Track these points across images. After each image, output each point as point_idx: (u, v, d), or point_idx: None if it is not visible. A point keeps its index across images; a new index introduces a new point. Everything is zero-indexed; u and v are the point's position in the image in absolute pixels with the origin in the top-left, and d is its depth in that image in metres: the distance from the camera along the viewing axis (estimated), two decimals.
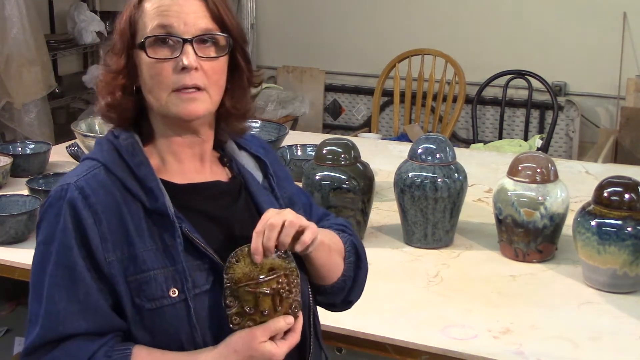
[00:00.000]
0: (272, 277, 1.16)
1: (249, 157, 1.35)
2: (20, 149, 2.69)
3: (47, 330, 1.15)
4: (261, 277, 1.15)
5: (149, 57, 1.19)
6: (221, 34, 1.22)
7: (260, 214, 1.26)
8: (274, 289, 1.16)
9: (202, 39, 1.20)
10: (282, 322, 1.17)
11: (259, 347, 1.15)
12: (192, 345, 1.17)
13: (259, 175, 1.34)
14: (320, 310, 1.70)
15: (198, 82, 1.19)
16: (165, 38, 1.19)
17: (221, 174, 1.31)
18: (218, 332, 1.18)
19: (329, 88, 5.10)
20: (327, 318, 1.65)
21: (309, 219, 1.29)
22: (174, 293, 1.17)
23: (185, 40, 1.18)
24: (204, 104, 1.21)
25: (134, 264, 1.16)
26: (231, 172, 1.32)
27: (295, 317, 1.19)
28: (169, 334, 1.17)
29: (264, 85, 4.69)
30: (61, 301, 1.15)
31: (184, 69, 1.18)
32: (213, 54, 1.21)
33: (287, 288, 1.17)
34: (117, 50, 1.23)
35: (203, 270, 1.19)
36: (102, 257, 1.15)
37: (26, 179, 2.34)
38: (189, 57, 1.18)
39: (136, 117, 1.26)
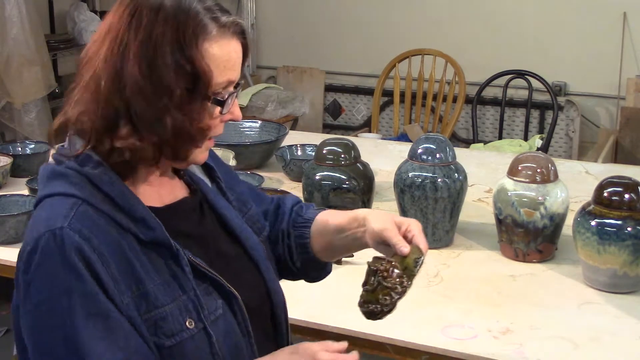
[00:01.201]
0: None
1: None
2: (20, 149, 2.69)
3: None
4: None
5: (222, 113, 1.15)
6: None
7: (222, 223, 1.26)
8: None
9: None
10: (344, 344, 1.15)
11: (305, 346, 1.13)
12: None
13: (207, 180, 1.31)
14: (321, 311, 1.71)
15: None
16: None
17: (182, 188, 1.25)
18: (237, 357, 1.17)
19: (329, 88, 5.10)
20: (327, 318, 1.65)
21: (261, 207, 1.37)
22: (190, 324, 1.12)
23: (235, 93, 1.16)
24: None
25: (146, 301, 1.09)
26: (187, 184, 1.27)
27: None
28: None
29: (264, 85, 4.70)
30: (105, 353, 1.04)
31: (231, 120, 1.18)
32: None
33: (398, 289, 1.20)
34: (172, 76, 1.08)
35: (211, 294, 1.16)
36: (120, 301, 1.07)
37: (26, 179, 2.34)
38: (238, 110, 1.17)
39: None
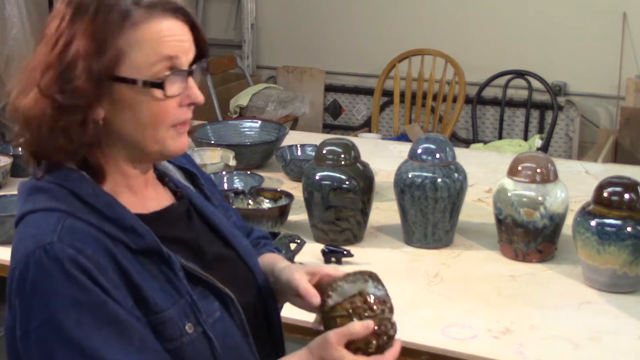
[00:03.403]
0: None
1: (175, 170, 1.31)
2: (20, 149, 2.68)
3: None
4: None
5: (167, 96, 1.10)
6: (205, 60, 1.17)
7: (212, 226, 1.25)
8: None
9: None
10: (359, 326, 1.09)
11: (332, 351, 1.09)
12: None
13: (191, 187, 1.31)
14: None
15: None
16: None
17: (167, 195, 1.24)
18: (238, 358, 1.17)
19: (329, 88, 5.11)
20: None
21: (239, 221, 1.37)
22: (190, 329, 1.11)
23: (189, 72, 1.13)
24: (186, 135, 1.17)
25: (146, 307, 1.08)
26: (172, 191, 1.26)
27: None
28: None
29: (264, 85, 4.70)
30: (124, 358, 1.02)
31: (191, 104, 1.14)
32: (196, 82, 1.16)
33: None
34: (77, 74, 1.06)
35: (207, 298, 1.16)
36: (125, 304, 1.05)
37: (26, 180, 2.33)
38: (197, 91, 1.13)
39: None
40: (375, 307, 1.12)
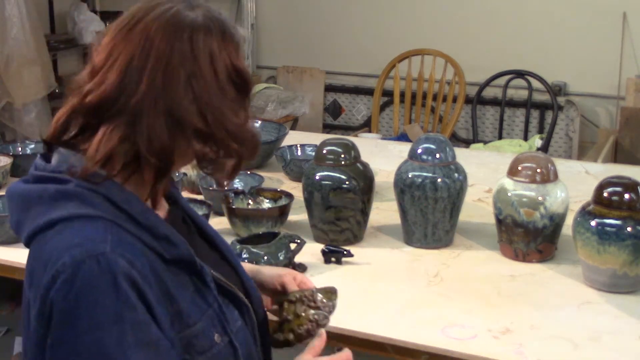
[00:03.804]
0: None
1: None
2: (20, 149, 2.69)
3: None
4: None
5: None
6: None
7: (201, 231, 1.26)
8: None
9: None
10: (322, 337, 1.27)
11: None
12: None
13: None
14: None
15: None
16: None
17: (164, 201, 1.22)
18: None
19: (329, 88, 5.11)
20: None
21: None
22: (218, 339, 1.11)
23: None
24: None
25: (180, 320, 1.07)
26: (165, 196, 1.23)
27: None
28: None
29: (264, 85, 4.70)
30: None
31: None
32: None
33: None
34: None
35: (229, 306, 1.16)
36: (165, 325, 1.04)
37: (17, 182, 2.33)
38: None
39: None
40: (318, 302, 1.36)
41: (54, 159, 1.11)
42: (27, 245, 1.09)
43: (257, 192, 2.18)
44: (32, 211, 1.08)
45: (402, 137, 4.22)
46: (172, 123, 1.05)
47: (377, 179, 2.13)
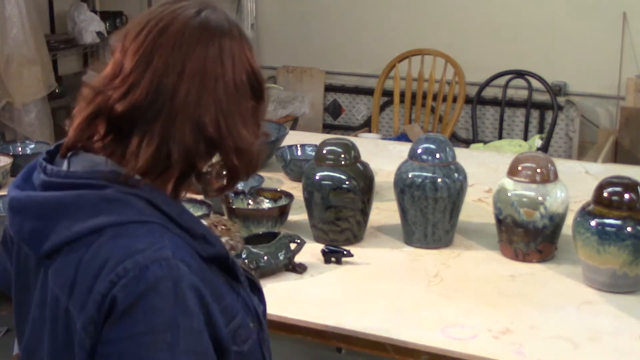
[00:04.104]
0: None
1: None
2: (20, 149, 2.68)
3: None
4: None
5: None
6: None
7: None
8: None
9: None
10: None
11: None
12: None
13: None
14: (321, 311, 1.71)
15: None
16: None
17: None
18: (269, 351, 1.21)
19: (329, 88, 5.11)
20: (327, 318, 1.65)
21: None
22: (252, 326, 1.14)
23: None
24: None
25: (226, 314, 1.07)
26: None
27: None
28: None
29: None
30: None
31: None
32: None
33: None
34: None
35: (250, 293, 1.20)
36: (222, 322, 1.06)
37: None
38: None
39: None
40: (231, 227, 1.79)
41: (77, 164, 1.09)
42: (48, 254, 1.06)
43: (257, 192, 2.18)
44: (64, 219, 1.05)
45: (402, 137, 4.22)
46: (197, 128, 1.07)
47: (377, 179, 2.13)
